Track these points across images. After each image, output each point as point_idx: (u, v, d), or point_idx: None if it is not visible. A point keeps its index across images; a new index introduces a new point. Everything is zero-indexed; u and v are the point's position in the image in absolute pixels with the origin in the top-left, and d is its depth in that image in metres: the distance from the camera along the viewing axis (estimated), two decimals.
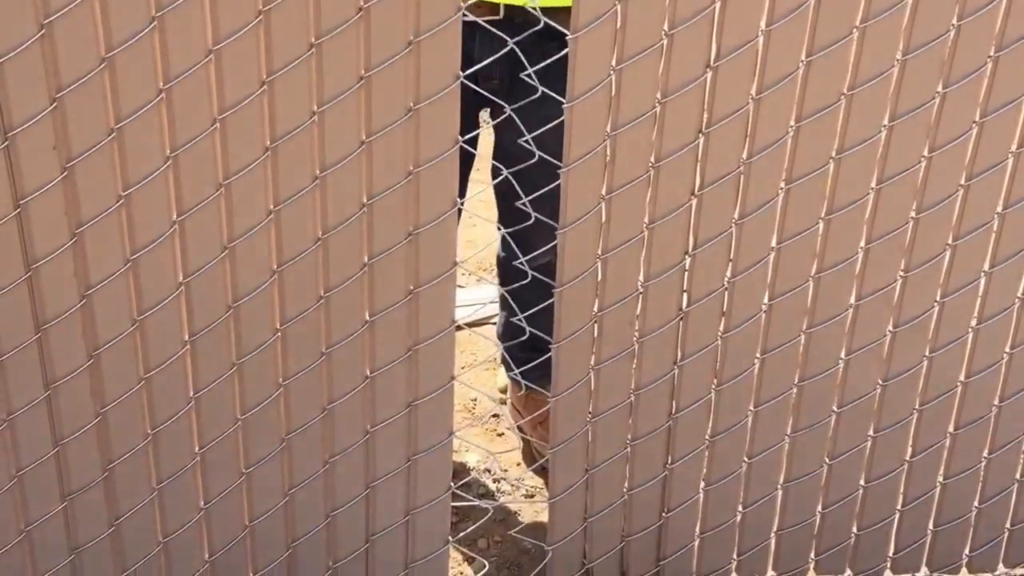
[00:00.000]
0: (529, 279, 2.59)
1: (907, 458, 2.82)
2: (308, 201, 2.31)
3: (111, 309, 2.32)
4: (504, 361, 3.27)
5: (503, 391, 3.42)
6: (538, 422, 3.23)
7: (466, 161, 2.62)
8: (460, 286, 3.64)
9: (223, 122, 2.21)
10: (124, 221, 2.26)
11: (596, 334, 2.57)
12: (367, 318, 2.45)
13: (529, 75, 2.27)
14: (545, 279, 2.49)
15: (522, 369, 3.11)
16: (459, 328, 3.31)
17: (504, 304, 3.23)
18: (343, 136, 2.27)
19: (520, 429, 3.31)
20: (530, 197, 2.40)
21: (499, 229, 2.91)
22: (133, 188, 2.22)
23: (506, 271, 3.13)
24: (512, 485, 3.21)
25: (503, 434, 3.41)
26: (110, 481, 2.49)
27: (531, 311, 2.56)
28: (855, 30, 2.35)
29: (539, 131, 2.34)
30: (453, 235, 2.41)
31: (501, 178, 2.48)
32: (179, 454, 2.50)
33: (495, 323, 3.49)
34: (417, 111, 2.27)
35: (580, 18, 2.25)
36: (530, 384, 3.07)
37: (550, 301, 2.52)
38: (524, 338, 2.87)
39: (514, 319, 2.87)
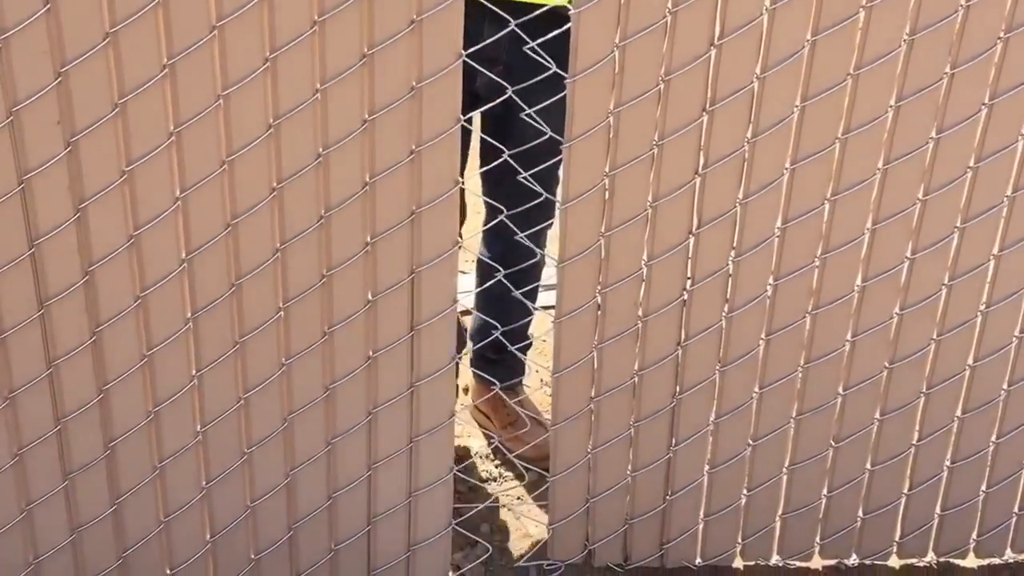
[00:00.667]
0: (512, 281, 2.59)
1: (914, 441, 2.80)
2: (310, 179, 2.31)
3: (114, 285, 2.32)
4: (474, 363, 3.24)
5: (464, 391, 3.38)
6: (508, 422, 3.22)
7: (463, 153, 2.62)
8: (463, 272, 3.62)
9: (226, 99, 2.20)
10: (127, 197, 2.25)
11: (599, 314, 2.56)
12: (369, 298, 2.44)
13: (529, 55, 2.27)
14: (525, 286, 2.50)
15: (494, 369, 3.10)
16: (465, 313, 3.32)
17: (480, 305, 3.17)
18: (346, 114, 2.27)
19: (487, 431, 3.28)
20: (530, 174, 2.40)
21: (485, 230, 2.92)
22: (136, 163, 2.22)
23: (487, 273, 3.02)
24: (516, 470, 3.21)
25: (514, 422, 3.39)
26: (111, 460, 2.48)
27: (508, 311, 2.56)
28: (861, 9, 2.33)
29: (542, 110, 2.34)
30: (455, 215, 2.40)
31: (500, 161, 2.47)
32: (181, 433, 2.49)
33: None
34: (419, 89, 2.26)
35: None
36: (503, 383, 3.06)
37: (526, 316, 2.47)
38: (498, 342, 2.86)
39: (490, 320, 2.86)
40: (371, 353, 2.49)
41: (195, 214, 2.29)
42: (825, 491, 2.84)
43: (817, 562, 2.94)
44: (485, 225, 2.90)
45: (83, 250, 2.28)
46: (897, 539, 2.93)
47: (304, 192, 2.32)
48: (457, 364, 2.60)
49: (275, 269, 2.38)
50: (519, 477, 3.16)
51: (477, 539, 2.93)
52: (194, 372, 2.44)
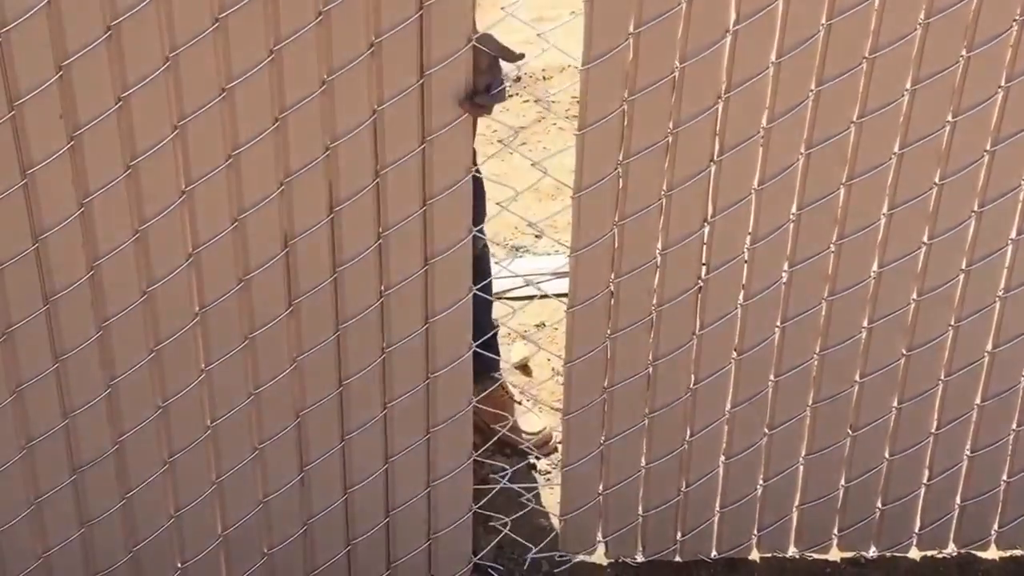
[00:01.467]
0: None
1: (933, 431, 2.77)
2: (319, 171, 2.28)
3: (120, 280, 2.30)
4: None
5: None
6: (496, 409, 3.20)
7: None
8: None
9: (230, 91, 2.18)
10: (132, 191, 2.23)
11: (612, 303, 2.53)
12: (382, 290, 2.42)
13: None
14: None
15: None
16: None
17: None
18: (353, 104, 2.24)
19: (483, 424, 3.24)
20: None
21: None
22: (140, 158, 2.20)
23: None
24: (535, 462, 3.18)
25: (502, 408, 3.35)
26: (121, 454, 2.47)
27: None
28: None
29: None
30: (468, 203, 2.38)
31: None
32: (191, 428, 2.48)
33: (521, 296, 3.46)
34: (428, 76, 2.23)
35: None
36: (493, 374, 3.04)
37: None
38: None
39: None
40: (385, 347, 2.47)
41: (201, 208, 2.27)
42: (843, 482, 2.81)
43: (835, 554, 2.92)
44: None
45: (88, 245, 2.26)
46: (917, 530, 2.90)
47: (313, 185, 2.29)
48: None
49: (284, 263, 2.35)
50: (529, 463, 3.14)
51: (493, 522, 2.90)
52: (203, 367, 2.42)
